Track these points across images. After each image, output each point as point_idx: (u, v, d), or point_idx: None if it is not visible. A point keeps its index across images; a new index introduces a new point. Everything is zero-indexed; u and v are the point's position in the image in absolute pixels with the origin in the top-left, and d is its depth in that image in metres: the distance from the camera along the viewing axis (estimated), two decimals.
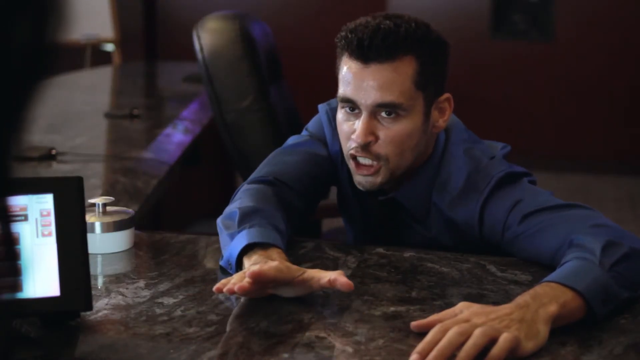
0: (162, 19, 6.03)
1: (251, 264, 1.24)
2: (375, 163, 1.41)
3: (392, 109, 1.39)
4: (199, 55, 2.23)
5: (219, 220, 1.41)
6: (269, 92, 2.23)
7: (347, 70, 1.42)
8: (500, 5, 5.57)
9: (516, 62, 5.57)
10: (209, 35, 2.23)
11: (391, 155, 1.41)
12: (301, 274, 1.21)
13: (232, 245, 1.31)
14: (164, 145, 2.46)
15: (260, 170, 1.52)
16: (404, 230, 1.55)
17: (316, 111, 1.63)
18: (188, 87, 3.47)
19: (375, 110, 1.40)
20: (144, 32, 5.98)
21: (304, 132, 1.63)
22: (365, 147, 1.40)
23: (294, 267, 1.22)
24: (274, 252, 1.27)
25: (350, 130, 1.42)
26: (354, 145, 1.41)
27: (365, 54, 1.39)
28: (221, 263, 1.35)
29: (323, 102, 1.62)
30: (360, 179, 1.44)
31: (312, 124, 1.63)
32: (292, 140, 1.60)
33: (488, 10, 5.55)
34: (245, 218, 1.35)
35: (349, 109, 1.42)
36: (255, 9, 5.54)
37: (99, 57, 5.15)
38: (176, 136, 2.61)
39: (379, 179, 1.43)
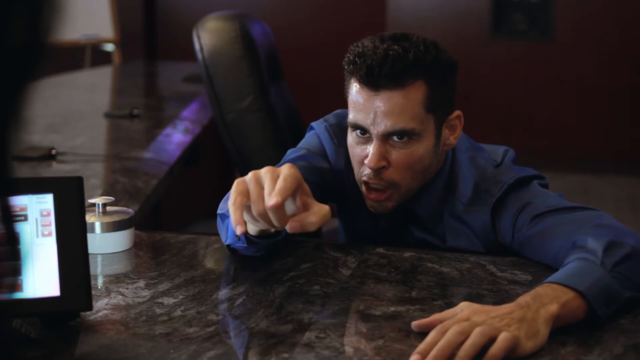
0: (162, 19, 6.03)
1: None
2: (386, 189, 1.42)
3: (403, 135, 1.40)
4: (199, 55, 2.23)
5: (218, 217, 1.39)
6: (269, 92, 2.23)
7: (356, 95, 1.41)
8: (500, 5, 5.57)
9: (516, 62, 5.57)
10: (209, 35, 2.23)
11: (402, 181, 1.42)
12: (307, 198, 1.14)
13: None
14: (164, 145, 2.46)
15: None
16: (411, 242, 1.54)
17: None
18: (188, 87, 3.48)
19: (386, 137, 1.40)
20: (144, 32, 5.98)
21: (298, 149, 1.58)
22: (377, 173, 1.41)
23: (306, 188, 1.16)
24: None
25: (363, 154, 1.42)
26: (367, 171, 1.42)
27: (374, 82, 1.38)
28: (228, 242, 1.33)
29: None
30: (372, 203, 1.45)
31: (306, 143, 1.59)
32: (290, 154, 1.56)
33: (488, 10, 5.56)
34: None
35: (360, 133, 1.42)
36: (255, 9, 5.54)
37: (99, 57, 5.15)
38: (176, 136, 2.61)
39: (390, 204, 1.45)
